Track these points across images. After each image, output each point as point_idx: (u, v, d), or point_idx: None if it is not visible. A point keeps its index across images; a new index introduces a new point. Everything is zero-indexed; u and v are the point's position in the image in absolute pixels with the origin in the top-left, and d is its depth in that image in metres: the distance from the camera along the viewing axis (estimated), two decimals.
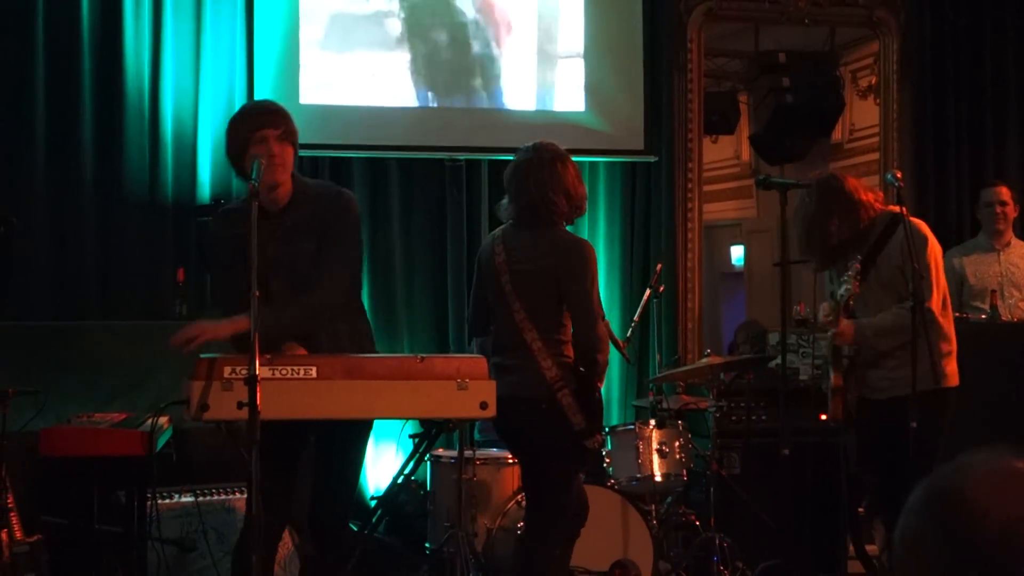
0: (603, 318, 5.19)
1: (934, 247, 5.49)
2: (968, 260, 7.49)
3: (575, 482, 5.25)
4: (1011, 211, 7.54)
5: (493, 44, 7.87)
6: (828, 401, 5.62)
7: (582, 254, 5.11)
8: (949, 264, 7.44)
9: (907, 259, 5.25)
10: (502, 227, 5.34)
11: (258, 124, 4.45)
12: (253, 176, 4.18)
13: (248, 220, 4.14)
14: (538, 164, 5.17)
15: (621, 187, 8.16)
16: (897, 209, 5.51)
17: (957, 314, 6.69)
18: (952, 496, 1.54)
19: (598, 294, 5.16)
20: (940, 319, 5.39)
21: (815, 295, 5.78)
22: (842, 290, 5.38)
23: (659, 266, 7.06)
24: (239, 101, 7.39)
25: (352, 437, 4.66)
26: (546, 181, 5.13)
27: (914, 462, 5.14)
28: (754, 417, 6.86)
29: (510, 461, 6.46)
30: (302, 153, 7.20)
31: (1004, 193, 7.54)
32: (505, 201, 5.30)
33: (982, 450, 1.60)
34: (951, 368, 5.46)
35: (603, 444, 6.23)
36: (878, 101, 9.06)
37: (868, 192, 5.63)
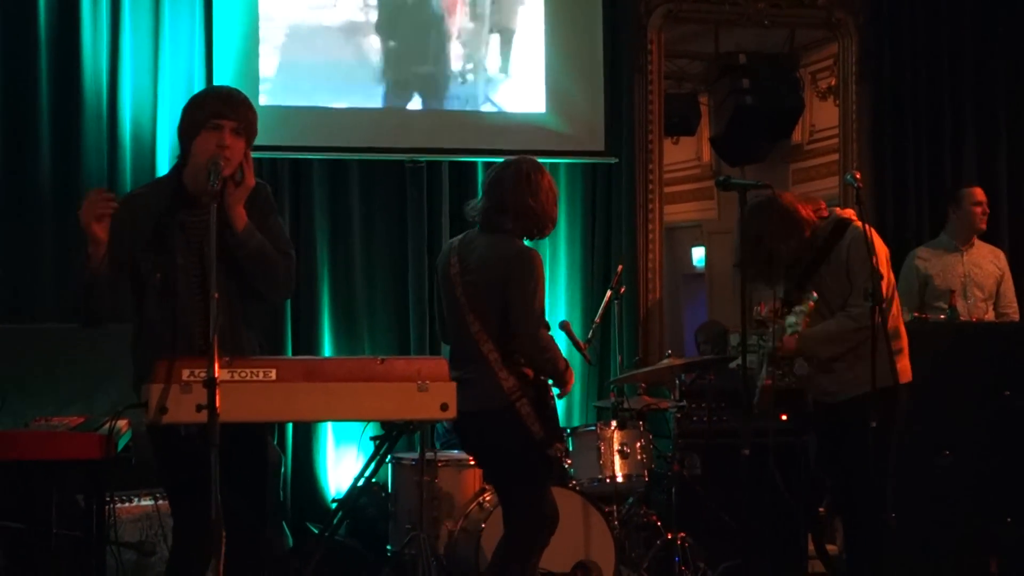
0: (547, 327, 5.18)
1: (882, 248, 5.53)
2: (933, 260, 7.52)
3: (542, 491, 5.24)
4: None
5: (454, 46, 7.86)
6: (756, 395, 5.68)
7: (525, 261, 5.12)
8: (913, 264, 7.50)
9: (852, 264, 5.34)
10: (460, 235, 5.37)
11: (217, 111, 4.30)
12: (212, 179, 4.13)
13: (169, 200, 4.26)
14: (512, 171, 5.22)
15: (582, 188, 8.16)
16: (846, 214, 5.58)
17: (916, 314, 6.75)
18: None
19: (541, 301, 5.14)
20: (890, 318, 5.43)
21: (775, 296, 5.78)
22: (792, 320, 5.43)
23: (620, 267, 7.06)
24: None
25: (256, 438, 4.56)
26: (515, 187, 5.18)
27: (872, 460, 5.18)
28: (715, 418, 6.88)
29: (471, 463, 6.46)
30: (262, 155, 7.22)
31: (983, 193, 7.59)
32: (474, 202, 5.33)
33: None
34: (903, 365, 5.51)
35: (564, 452, 6.21)
36: (837, 102, 9.09)
37: (807, 206, 5.65)
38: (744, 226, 5.63)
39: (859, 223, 5.45)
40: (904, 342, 5.58)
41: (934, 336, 6.55)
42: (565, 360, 5.22)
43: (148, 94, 7.36)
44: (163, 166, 7.31)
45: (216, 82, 7.28)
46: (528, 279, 5.09)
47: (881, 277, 5.23)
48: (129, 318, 4.41)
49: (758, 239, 5.57)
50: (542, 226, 5.27)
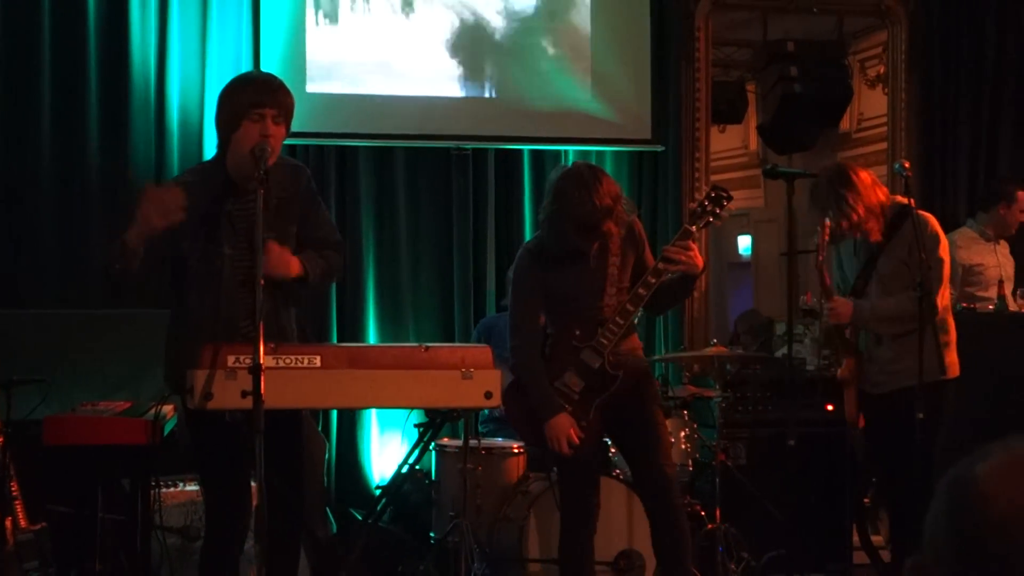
0: (523, 340, 5.13)
1: (945, 244, 5.48)
2: (973, 249, 7.44)
3: (560, 482, 5.32)
4: None
5: (500, 32, 7.84)
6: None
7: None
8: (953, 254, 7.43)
9: (914, 251, 5.26)
10: None
11: (258, 100, 4.28)
12: (260, 165, 4.12)
13: (216, 190, 4.27)
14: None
15: (628, 177, 8.13)
16: (904, 200, 5.50)
17: (964, 304, 6.69)
18: (964, 482, 1.53)
19: (515, 308, 5.17)
20: (942, 312, 5.37)
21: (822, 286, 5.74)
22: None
23: None
24: None
25: (295, 421, 4.55)
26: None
27: (918, 453, 5.14)
28: (760, 407, 6.85)
29: (515, 451, 6.46)
30: (308, 142, 7.25)
31: None
32: None
33: (1008, 439, 1.58)
34: (951, 359, 5.45)
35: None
36: (886, 91, 9.03)
37: (882, 188, 5.59)
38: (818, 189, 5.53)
39: (922, 213, 5.45)
40: (952, 336, 5.52)
41: (982, 327, 6.48)
42: (549, 396, 5.05)
43: (196, 80, 7.38)
44: (210, 153, 7.27)
45: (264, 68, 7.28)
46: (509, 284, 5.19)
47: (930, 268, 5.18)
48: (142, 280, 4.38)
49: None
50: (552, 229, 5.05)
